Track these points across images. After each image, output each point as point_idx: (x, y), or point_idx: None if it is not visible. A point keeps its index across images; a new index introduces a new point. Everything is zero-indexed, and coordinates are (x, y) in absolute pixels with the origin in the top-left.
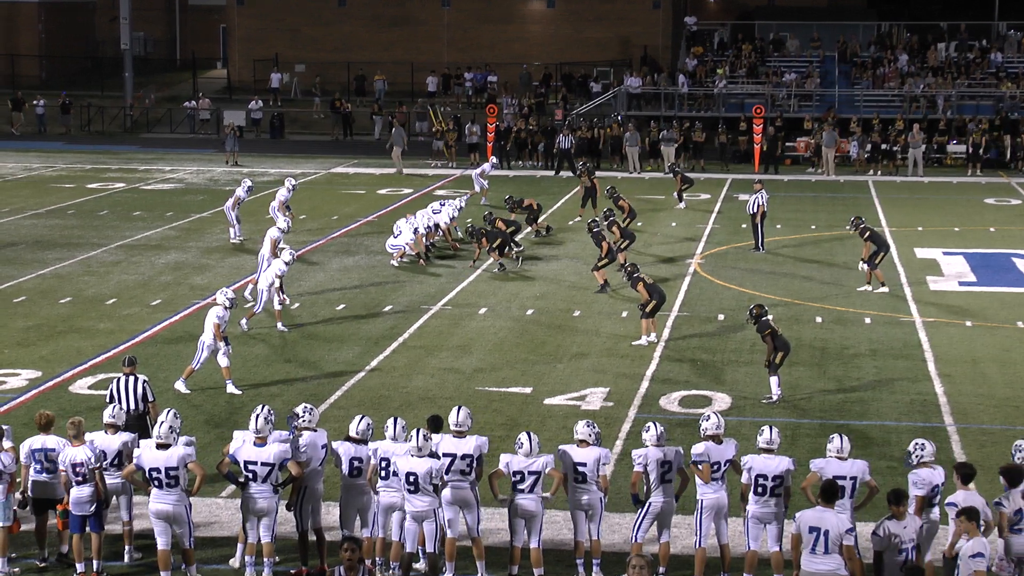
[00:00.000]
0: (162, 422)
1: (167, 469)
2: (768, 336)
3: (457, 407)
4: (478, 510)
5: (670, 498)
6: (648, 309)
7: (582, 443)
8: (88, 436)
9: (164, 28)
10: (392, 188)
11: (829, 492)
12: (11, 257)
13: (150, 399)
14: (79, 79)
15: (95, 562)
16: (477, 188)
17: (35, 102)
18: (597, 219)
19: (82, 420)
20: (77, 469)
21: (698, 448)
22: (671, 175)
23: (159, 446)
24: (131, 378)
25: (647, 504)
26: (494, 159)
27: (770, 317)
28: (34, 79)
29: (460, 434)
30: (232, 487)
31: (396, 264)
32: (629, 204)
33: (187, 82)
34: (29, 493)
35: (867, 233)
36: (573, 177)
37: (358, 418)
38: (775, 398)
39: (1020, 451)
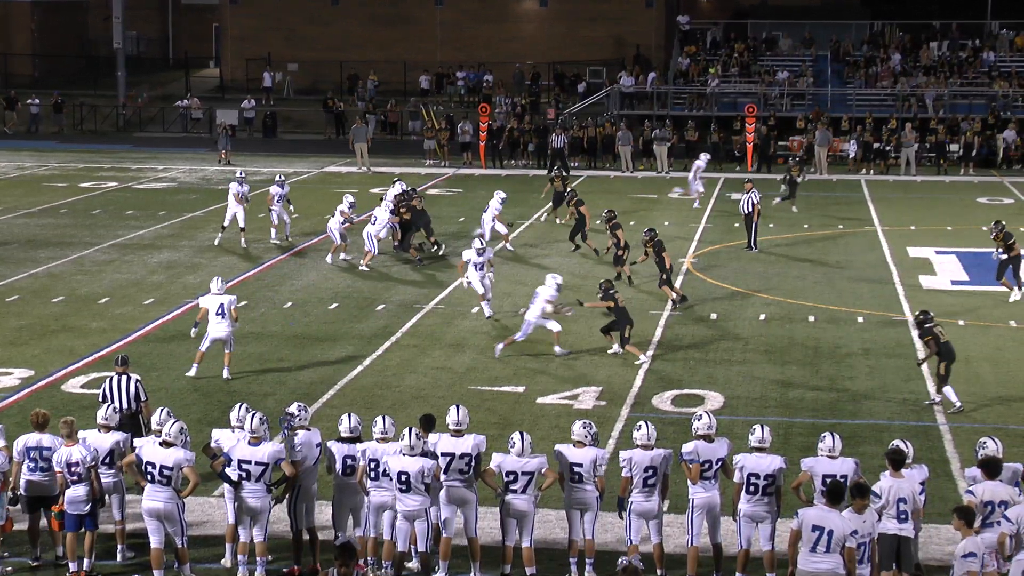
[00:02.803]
0: (173, 422)
1: (162, 467)
2: (931, 341)
3: (456, 406)
4: (476, 509)
5: (653, 498)
6: (617, 334)
7: (579, 444)
8: (81, 434)
9: (157, 27)
10: (385, 187)
11: (835, 493)
12: (4, 256)
13: (143, 398)
14: (73, 78)
15: (86, 560)
16: (694, 192)
17: (30, 101)
18: (614, 210)
19: (74, 420)
20: (73, 468)
21: (688, 447)
22: (786, 179)
23: (163, 444)
24: (123, 377)
25: (629, 504)
26: (706, 155)
27: (933, 325)
28: (27, 78)
29: (458, 433)
30: (224, 485)
31: (366, 268)
32: (586, 212)
33: (180, 81)
34: (22, 491)
35: (1011, 239)
36: (567, 176)
37: (346, 416)
38: (958, 406)
39: (984, 447)
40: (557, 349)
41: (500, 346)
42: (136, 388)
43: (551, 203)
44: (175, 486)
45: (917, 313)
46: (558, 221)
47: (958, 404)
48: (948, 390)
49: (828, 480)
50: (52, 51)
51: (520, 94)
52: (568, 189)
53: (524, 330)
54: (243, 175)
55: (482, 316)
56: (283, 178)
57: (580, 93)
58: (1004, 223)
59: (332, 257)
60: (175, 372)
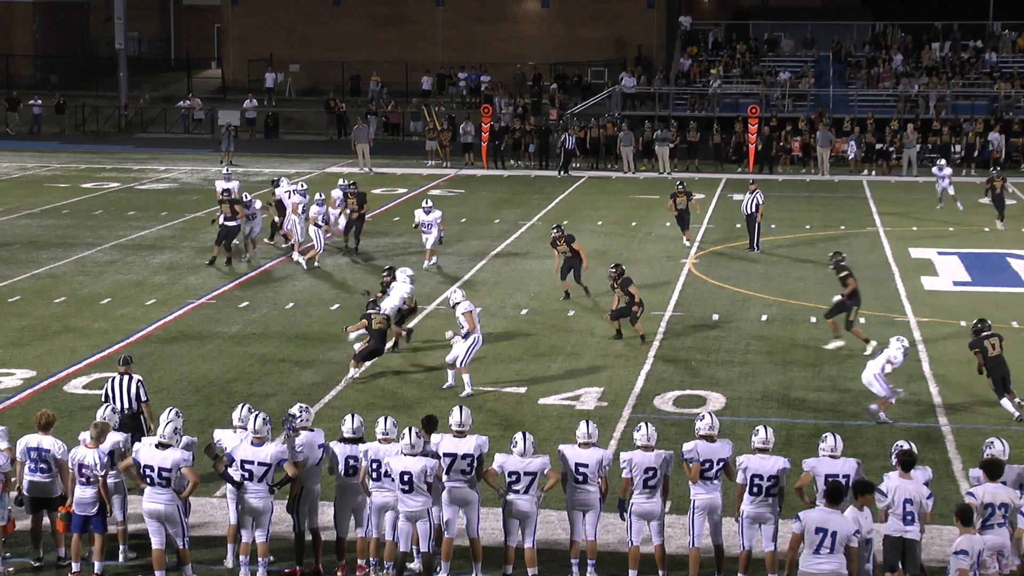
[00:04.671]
0: (168, 422)
1: (160, 469)
2: (978, 354)
3: (458, 406)
4: (478, 510)
5: (654, 500)
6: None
7: (585, 444)
8: (81, 435)
9: (158, 28)
10: (387, 188)
11: (835, 493)
12: (5, 257)
13: (143, 399)
14: (74, 79)
15: (96, 563)
16: (950, 191)
17: (31, 102)
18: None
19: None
20: (83, 470)
21: (688, 446)
22: (987, 192)
23: (159, 445)
24: (126, 377)
25: (630, 505)
26: (942, 160)
27: (985, 334)
28: (28, 79)
29: (461, 434)
30: (226, 486)
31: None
32: (580, 248)
33: (181, 82)
34: (25, 492)
35: (845, 273)
36: (571, 177)
37: (349, 417)
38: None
39: (991, 447)
40: (882, 415)
41: (881, 413)
42: (137, 388)
43: (678, 223)
44: (175, 487)
45: (975, 321)
46: (686, 243)
47: (1016, 414)
48: (1004, 402)
49: (830, 480)
50: (53, 52)
51: (520, 95)
52: (555, 227)
53: (883, 387)
54: (229, 172)
55: (484, 317)
56: (305, 186)
57: (553, 93)
58: (843, 255)
59: (307, 260)
60: (177, 373)
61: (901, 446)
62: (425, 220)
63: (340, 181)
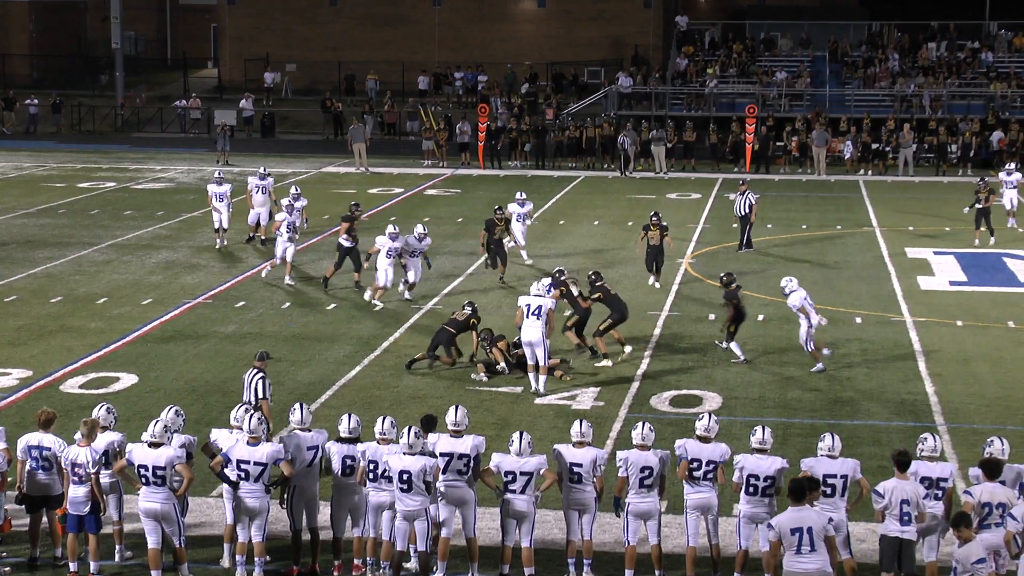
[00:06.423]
0: (157, 420)
1: (154, 468)
2: (729, 306)
3: (455, 406)
4: (475, 509)
5: (651, 499)
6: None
7: (579, 444)
8: (77, 435)
9: (155, 27)
10: (383, 188)
11: (797, 492)
12: (2, 256)
13: (260, 395)
14: (71, 79)
15: (92, 563)
16: (1012, 202)
17: (27, 101)
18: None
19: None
20: (76, 469)
21: (678, 443)
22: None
23: (151, 444)
24: (252, 371)
25: (626, 504)
26: (1013, 165)
27: (737, 284)
28: (25, 78)
29: (457, 433)
30: (223, 486)
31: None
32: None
33: (178, 81)
34: (26, 491)
35: (597, 294)
36: (633, 179)
37: (346, 417)
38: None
39: (991, 446)
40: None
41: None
42: (257, 384)
43: (647, 265)
44: (170, 485)
45: (723, 275)
46: (656, 285)
47: (742, 357)
48: (734, 345)
49: (828, 479)
50: (50, 51)
51: (513, 94)
52: (594, 273)
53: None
54: (221, 175)
55: (483, 315)
56: (298, 191)
57: (530, 93)
58: (601, 275)
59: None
60: (173, 372)
61: (925, 439)
62: (396, 242)
63: (520, 193)
